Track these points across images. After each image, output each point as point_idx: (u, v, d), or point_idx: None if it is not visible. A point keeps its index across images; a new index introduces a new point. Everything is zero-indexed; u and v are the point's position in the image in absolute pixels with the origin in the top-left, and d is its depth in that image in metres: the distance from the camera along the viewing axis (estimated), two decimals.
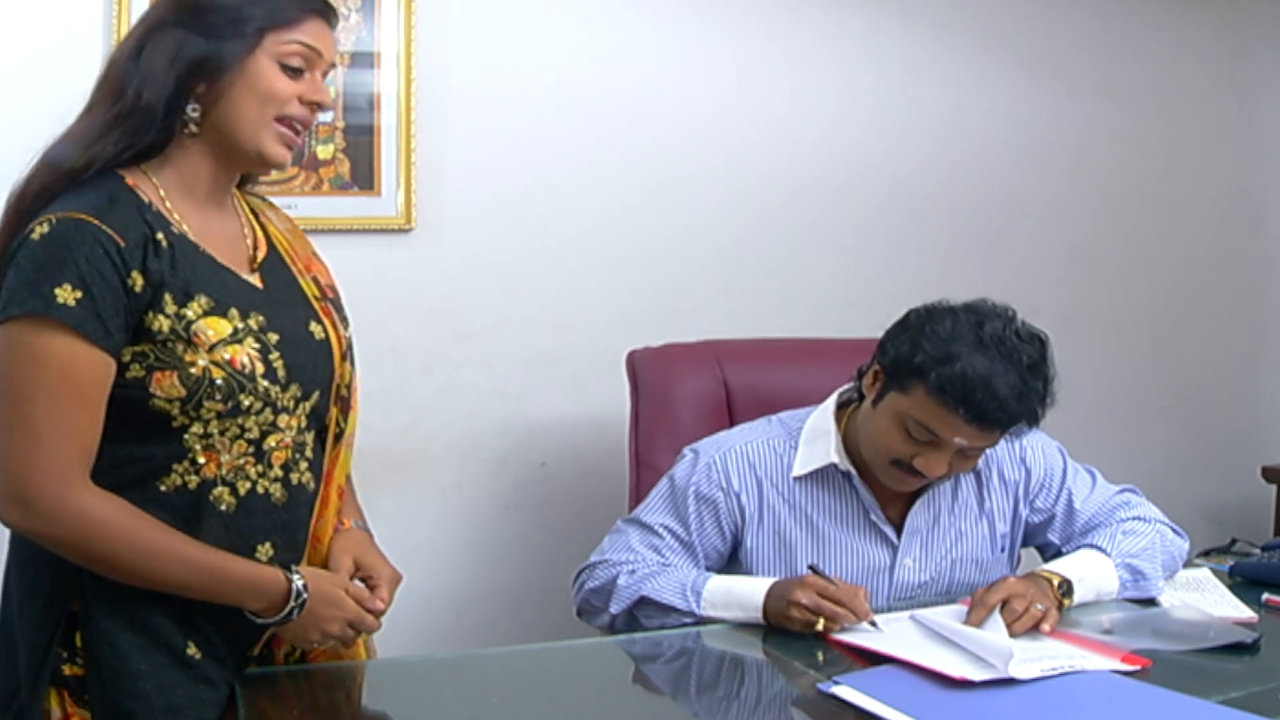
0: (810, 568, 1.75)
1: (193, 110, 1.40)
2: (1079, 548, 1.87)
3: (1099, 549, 1.84)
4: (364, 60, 2.55)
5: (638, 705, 1.58)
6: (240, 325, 1.40)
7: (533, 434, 2.75)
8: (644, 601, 1.78)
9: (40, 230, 1.32)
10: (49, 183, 1.36)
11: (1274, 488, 3.15)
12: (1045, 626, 1.63)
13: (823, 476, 1.88)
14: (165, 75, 1.37)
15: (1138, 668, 1.50)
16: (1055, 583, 1.73)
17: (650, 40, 2.80)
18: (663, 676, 1.70)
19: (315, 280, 1.55)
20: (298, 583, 1.42)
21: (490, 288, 2.70)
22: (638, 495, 2.18)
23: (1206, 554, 2.15)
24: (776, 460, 1.89)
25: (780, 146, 2.90)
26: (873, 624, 1.64)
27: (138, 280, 1.34)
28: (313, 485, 1.51)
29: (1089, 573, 1.79)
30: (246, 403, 1.39)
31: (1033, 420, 1.77)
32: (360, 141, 2.55)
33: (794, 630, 1.65)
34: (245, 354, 1.39)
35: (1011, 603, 1.64)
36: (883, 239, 2.95)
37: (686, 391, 2.29)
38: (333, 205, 2.55)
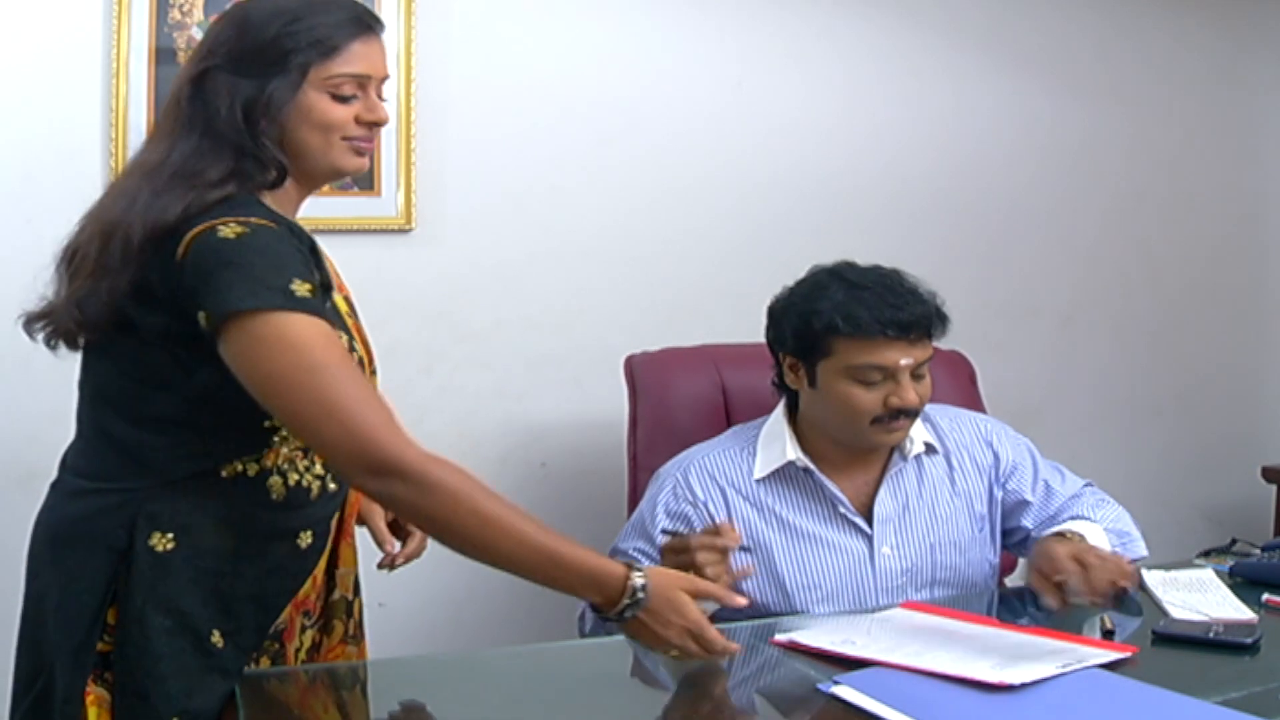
0: (663, 531, 1.81)
1: (270, 146, 1.42)
2: (1064, 520, 1.92)
3: (1085, 518, 1.90)
4: None
5: (638, 704, 1.58)
6: (347, 339, 1.45)
7: (533, 434, 2.75)
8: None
9: (237, 230, 1.33)
10: (190, 214, 1.35)
11: (1274, 488, 3.15)
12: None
13: (785, 476, 1.92)
14: (229, 120, 1.39)
15: (1127, 654, 1.51)
16: (1075, 539, 1.81)
17: (651, 41, 2.80)
18: (662, 676, 1.70)
19: (346, 299, 1.59)
20: (636, 581, 1.42)
21: (490, 288, 2.70)
22: (636, 499, 2.19)
23: (1206, 554, 2.15)
24: (736, 467, 1.93)
25: (781, 148, 2.89)
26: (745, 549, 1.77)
27: (316, 281, 1.39)
28: (334, 486, 1.53)
29: (1091, 536, 1.85)
30: None
31: (941, 315, 1.87)
32: None
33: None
34: None
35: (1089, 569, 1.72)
36: (883, 242, 2.92)
37: (685, 396, 2.30)
38: (332, 205, 2.54)
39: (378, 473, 1.34)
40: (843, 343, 1.81)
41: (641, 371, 2.35)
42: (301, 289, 1.33)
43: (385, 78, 1.50)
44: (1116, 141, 3.20)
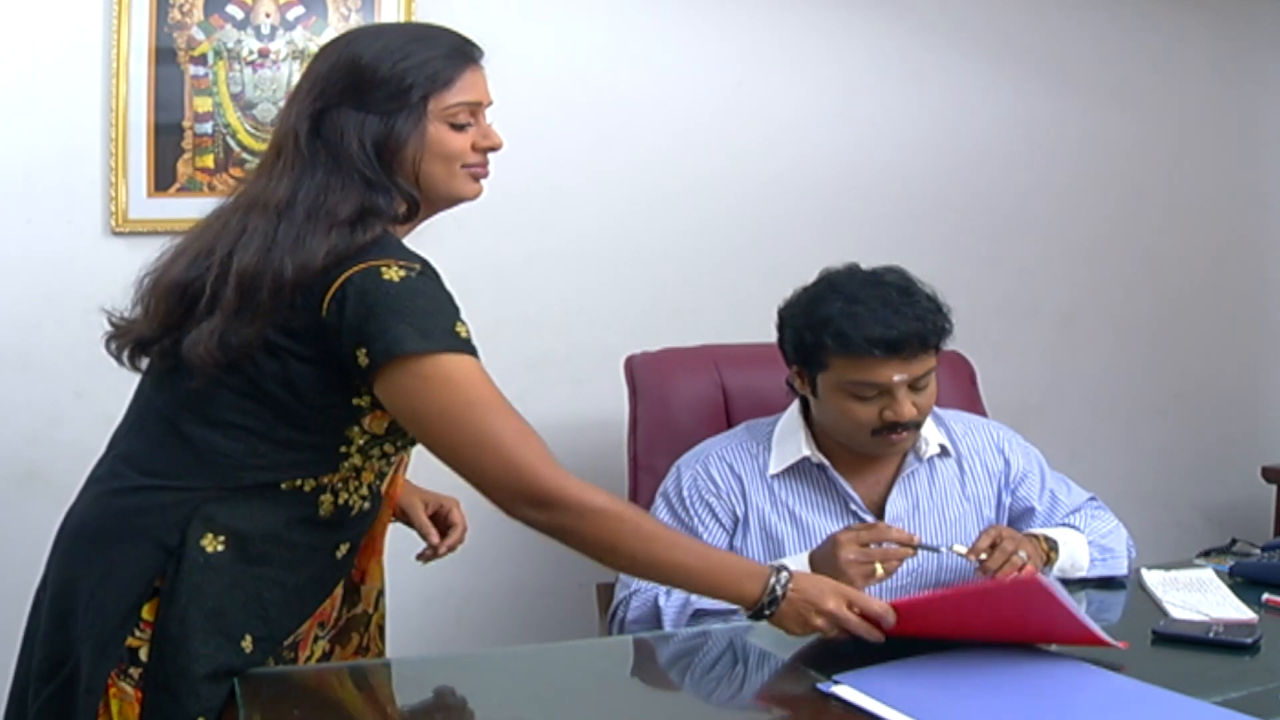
0: (848, 527, 1.78)
1: (404, 180, 1.47)
2: (1055, 525, 1.95)
3: (1074, 527, 1.92)
4: None
5: (638, 705, 1.58)
6: None
7: None
8: (697, 613, 1.80)
9: (399, 273, 1.39)
10: (340, 257, 1.39)
11: (1274, 488, 3.15)
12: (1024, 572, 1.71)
13: (799, 472, 1.93)
14: (362, 158, 1.43)
15: (1121, 647, 1.51)
16: (1041, 538, 1.83)
17: (651, 41, 2.80)
18: (663, 676, 1.70)
19: None
20: (780, 579, 1.50)
21: (490, 288, 2.70)
22: (636, 499, 2.19)
23: (1206, 554, 2.15)
24: (752, 461, 1.95)
25: (781, 148, 2.89)
26: (933, 548, 1.78)
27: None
28: (369, 506, 1.57)
29: (1069, 541, 1.88)
30: (405, 453, 1.53)
31: (938, 328, 1.83)
32: None
33: (858, 586, 1.67)
34: None
35: (1003, 543, 1.74)
36: (882, 242, 2.92)
37: (685, 396, 2.30)
38: None
39: (541, 505, 1.41)
40: (836, 359, 1.82)
41: (641, 371, 2.35)
42: (463, 331, 1.41)
43: (491, 104, 1.55)
44: (1116, 141, 3.20)
